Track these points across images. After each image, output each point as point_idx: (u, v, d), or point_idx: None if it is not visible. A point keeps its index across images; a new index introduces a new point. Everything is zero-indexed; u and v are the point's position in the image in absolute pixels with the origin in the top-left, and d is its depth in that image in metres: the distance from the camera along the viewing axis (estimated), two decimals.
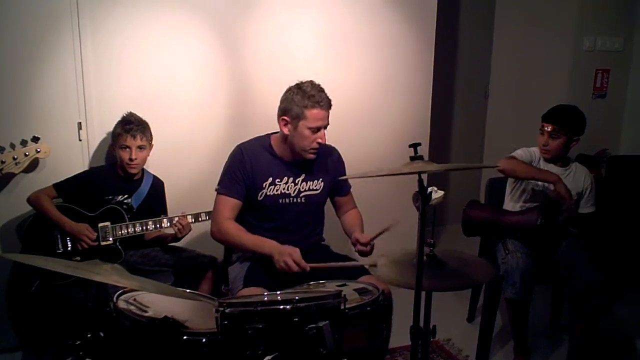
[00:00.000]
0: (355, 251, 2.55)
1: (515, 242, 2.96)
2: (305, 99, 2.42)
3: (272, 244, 2.41)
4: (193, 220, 2.91)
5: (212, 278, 2.89)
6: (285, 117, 2.47)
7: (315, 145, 2.47)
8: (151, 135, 2.91)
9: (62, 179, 2.85)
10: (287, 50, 3.40)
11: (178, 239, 2.91)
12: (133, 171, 2.87)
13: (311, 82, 2.49)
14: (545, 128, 2.98)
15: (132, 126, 2.82)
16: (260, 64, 3.36)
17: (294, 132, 2.46)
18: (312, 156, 2.51)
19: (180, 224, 2.85)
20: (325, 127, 2.48)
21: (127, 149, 2.82)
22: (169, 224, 2.87)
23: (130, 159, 2.82)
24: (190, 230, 2.89)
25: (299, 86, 2.47)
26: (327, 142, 2.61)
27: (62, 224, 2.75)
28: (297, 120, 2.43)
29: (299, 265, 2.31)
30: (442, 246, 4.53)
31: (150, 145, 2.92)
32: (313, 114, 2.42)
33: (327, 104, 2.46)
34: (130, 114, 2.91)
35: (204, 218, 2.91)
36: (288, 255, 2.33)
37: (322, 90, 2.47)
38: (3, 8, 2.78)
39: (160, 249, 2.96)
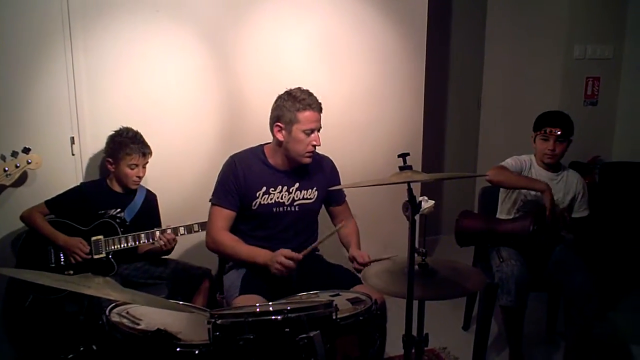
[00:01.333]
0: (353, 267, 2.56)
1: (509, 250, 2.97)
2: (296, 102, 2.46)
3: (265, 254, 2.43)
4: (186, 232, 2.91)
5: (207, 290, 2.89)
6: (279, 124, 2.50)
7: (310, 148, 2.50)
8: (151, 150, 2.96)
9: (53, 195, 2.86)
10: (279, 62, 3.42)
11: (169, 252, 2.91)
12: (135, 187, 2.92)
13: (299, 88, 2.53)
14: (554, 132, 2.97)
15: (140, 145, 2.87)
16: (252, 76, 3.38)
17: (289, 138, 2.48)
18: (308, 160, 2.53)
19: (166, 239, 2.84)
20: (318, 130, 2.51)
21: (136, 167, 2.85)
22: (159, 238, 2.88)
23: (139, 177, 2.87)
24: (175, 243, 2.89)
25: (288, 92, 2.51)
26: (320, 152, 2.64)
27: (55, 238, 2.75)
28: (291, 125, 2.46)
29: (292, 259, 2.34)
30: (436, 256, 4.55)
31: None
32: (305, 116, 2.45)
33: (318, 106, 2.50)
34: (131, 130, 2.91)
35: (196, 229, 2.91)
36: (279, 255, 2.35)
37: (311, 94, 2.51)
38: None
39: (153, 262, 2.95)
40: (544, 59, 4.30)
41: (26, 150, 2.76)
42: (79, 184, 3.00)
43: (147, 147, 2.91)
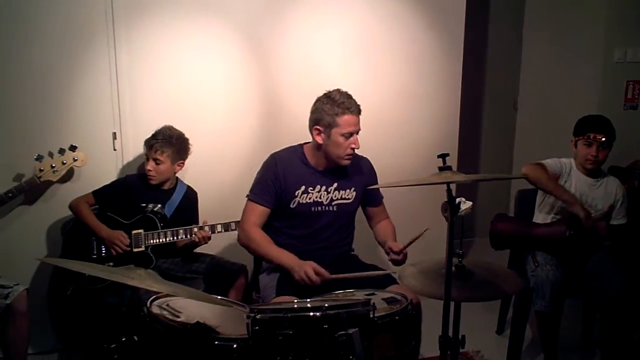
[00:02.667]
0: (389, 260, 2.57)
1: (544, 255, 2.94)
2: (335, 106, 2.47)
3: (292, 257, 2.45)
4: (223, 230, 2.94)
5: (242, 286, 2.93)
6: (318, 127, 2.51)
7: (349, 151, 2.51)
8: (178, 152, 2.93)
9: (100, 186, 2.94)
10: (316, 61, 3.44)
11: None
12: (151, 182, 2.92)
13: (338, 90, 2.53)
14: (598, 139, 2.91)
15: (154, 138, 2.88)
16: (289, 75, 3.40)
17: (328, 141, 2.50)
18: (347, 162, 2.55)
19: (201, 235, 2.88)
20: (357, 133, 2.52)
21: (147, 161, 2.89)
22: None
23: (149, 170, 2.89)
24: (209, 240, 2.92)
25: (327, 95, 2.52)
26: (357, 152, 2.66)
27: (98, 230, 2.82)
28: (330, 129, 2.48)
29: (318, 274, 2.35)
30: (471, 258, 4.50)
31: (176, 162, 2.94)
32: (344, 120, 2.46)
33: (356, 110, 2.50)
34: (166, 127, 2.94)
35: (233, 227, 2.95)
36: (307, 265, 2.37)
37: (350, 97, 2.51)
38: (42, 21, 2.87)
39: (190, 257, 3.00)
40: (583, 61, 4.24)
41: (73, 148, 2.84)
42: (124, 176, 3.07)
43: (161, 144, 2.86)
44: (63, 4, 2.90)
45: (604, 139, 2.91)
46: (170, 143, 2.89)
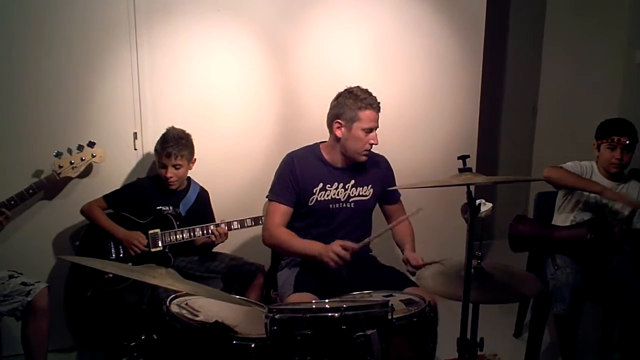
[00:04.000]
0: (406, 270, 2.56)
1: (564, 258, 2.91)
2: (358, 101, 2.50)
3: (319, 245, 2.45)
4: (239, 226, 2.96)
5: (260, 285, 2.94)
6: (340, 121, 2.54)
7: (367, 146, 2.55)
8: (191, 151, 2.94)
9: (111, 190, 2.96)
10: (334, 63, 3.45)
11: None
12: (172, 187, 2.93)
13: (359, 87, 2.57)
14: (623, 141, 2.90)
15: (167, 145, 2.85)
16: (307, 76, 3.42)
17: (348, 135, 2.53)
18: (364, 158, 2.58)
19: (218, 232, 2.90)
20: (376, 129, 2.55)
21: (164, 168, 2.88)
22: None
23: (169, 177, 2.88)
24: (226, 237, 2.94)
25: (349, 90, 2.56)
26: (376, 152, 2.68)
27: (114, 232, 2.84)
28: (351, 123, 2.51)
29: (347, 249, 2.35)
30: (490, 260, 4.48)
31: (191, 161, 2.95)
32: (366, 115, 2.50)
33: (377, 106, 2.55)
34: (173, 130, 2.93)
35: (249, 224, 2.97)
36: (334, 245, 2.37)
37: (371, 94, 2.56)
38: (65, 21, 2.91)
39: (209, 256, 3.02)
40: (604, 64, 4.19)
41: (91, 144, 2.88)
42: (143, 176, 3.10)
43: (178, 148, 2.85)
44: (88, 7, 2.93)
45: (628, 141, 2.89)
46: (184, 145, 2.89)
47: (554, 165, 2.99)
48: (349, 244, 2.38)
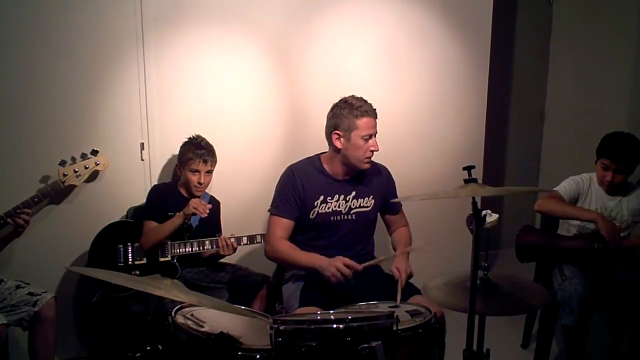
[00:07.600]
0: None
1: (572, 268, 2.90)
2: (354, 109, 2.51)
3: (322, 258, 2.45)
4: (248, 242, 2.96)
5: (265, 296, 2.94)
6: (338, 132, 2.54)
7: (369, 154, 2.54)
8: (216, 158, 3.00)
9: (141, 207, 3.01)
10: (341, 73, 3.46)
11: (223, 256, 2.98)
12: (198, 194, 2.95)
13: (353, 95, 2.57)
14: (616, 166, 2.87)
15: (203, 151, 2.91)
16: (314, 86, 3.42)
17: (348, 144, 2.53)
18: (367, 165, 2.58)
19: (226, 244, 2.90)
20: (375, 135, 2.55)
21: (197, 173, 2.91)
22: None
23: (200, 183, 2.91)
24: (234, 251, 2.94)
25: (344, 100, 2.56)
26: (379, 161, 2.68)
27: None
28: (350, 132, 2.51)
29: (349, 267, 2.36)
30: (496, 271, 4.45)
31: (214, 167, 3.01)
32: (364, 122, 2.50)
33: (373, 113, 2.55)
34: (199, 138, 2.98)
35: (259, 240, 2.97)
36: (337, 260, 2.38)
37: (366, 101, 2.56)
38: (74, 32, 2.93)
39: (215, 267, 3.02)
40: (612, 71, 4.18)
41: (94, 152, 2.91)
42: (151, 187, 3.10)
43: (211, 154, 2.95)
44: (96, 18, 2.96)
45: (621, 168, 2.87)
46: (213, 152, 2.97)
47: (546, 196, 2.99)
48: (353, 263, 2.38)
